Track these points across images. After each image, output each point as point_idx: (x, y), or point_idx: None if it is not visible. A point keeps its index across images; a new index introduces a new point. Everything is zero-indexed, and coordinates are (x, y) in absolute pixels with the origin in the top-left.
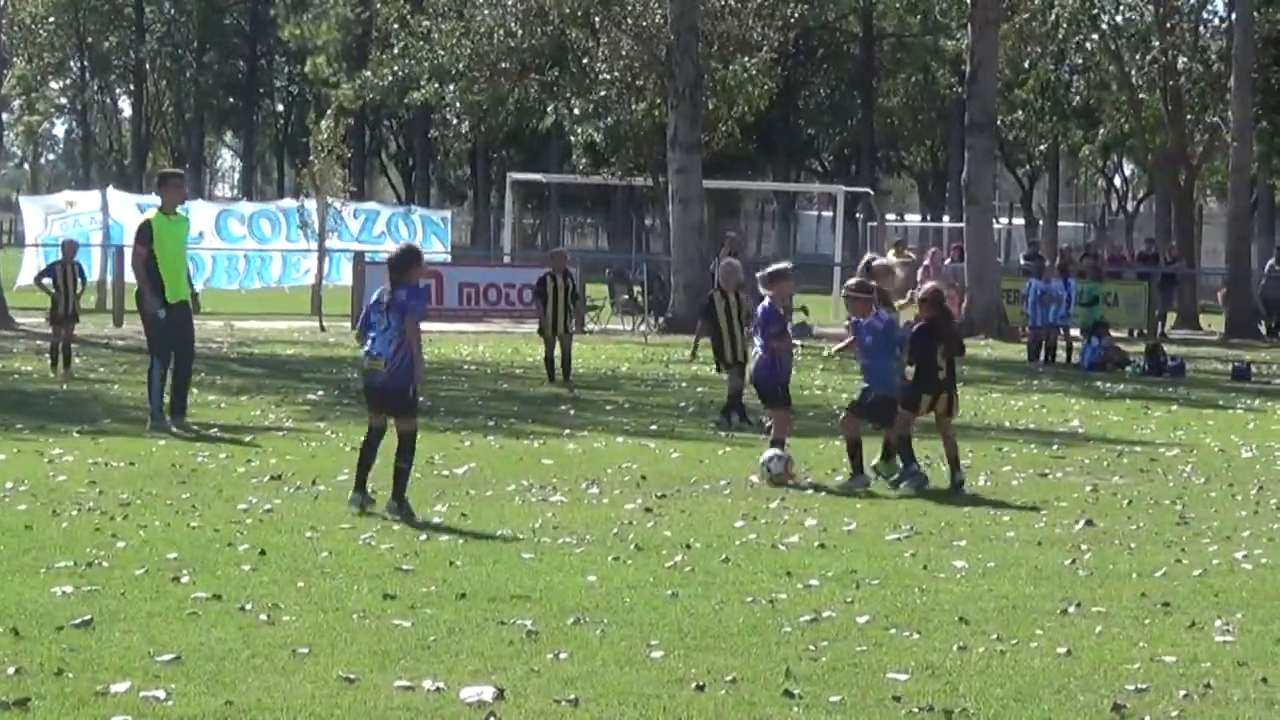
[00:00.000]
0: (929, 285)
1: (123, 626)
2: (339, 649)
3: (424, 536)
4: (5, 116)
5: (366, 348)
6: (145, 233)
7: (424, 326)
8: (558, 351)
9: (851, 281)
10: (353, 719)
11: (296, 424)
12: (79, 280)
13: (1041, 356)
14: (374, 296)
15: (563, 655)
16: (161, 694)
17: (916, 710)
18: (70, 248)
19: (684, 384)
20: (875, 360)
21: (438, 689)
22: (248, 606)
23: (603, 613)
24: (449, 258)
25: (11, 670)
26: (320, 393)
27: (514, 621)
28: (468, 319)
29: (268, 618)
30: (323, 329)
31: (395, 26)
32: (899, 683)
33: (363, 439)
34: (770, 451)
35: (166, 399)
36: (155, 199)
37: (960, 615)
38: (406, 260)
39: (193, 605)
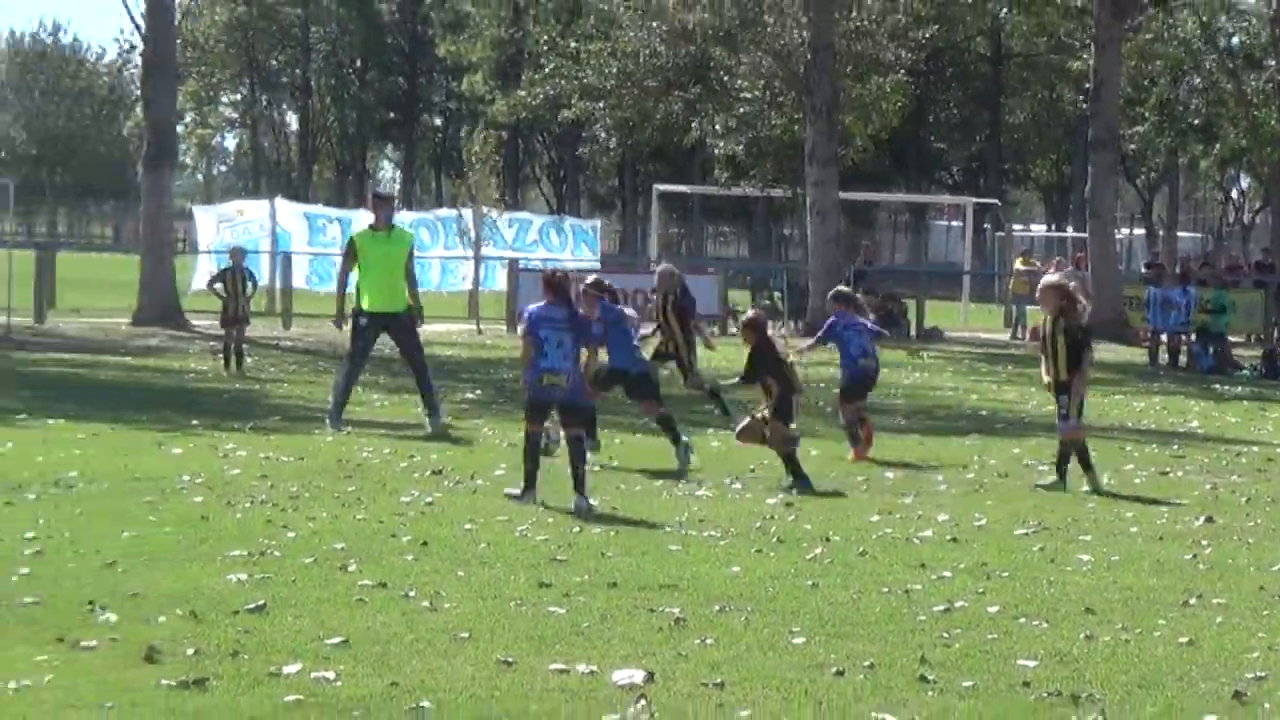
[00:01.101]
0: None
1: (294, 611)
2: (497, 634)
3: (577, 529)
4: (180, 130)
5: (545, 364)
6: (347, 248)
7: None
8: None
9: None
10: (511, 699)
11: (455, 421)
12: (248, 284)
13: (1163, 360)
14: (539, 311)
15: (709, 641)
16: (331, 675)
17: (1045, 695)
18: (238, 254)
19: (821, 385)
20: None
21: (590, 672)
22: (411, 594)
23: (746, 601)
24: (598, 264)
25: (191, 651)
26: (478, 392)
27: (662, 609)
28: None
29: (430, 604)
30: (479, 332)
31: (546, 48)
32: (1028, 669)
33: (526, 443)
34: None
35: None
36: (321, 208)
37: (1086, 606)
38: (561, 284)
39: (359, 592)
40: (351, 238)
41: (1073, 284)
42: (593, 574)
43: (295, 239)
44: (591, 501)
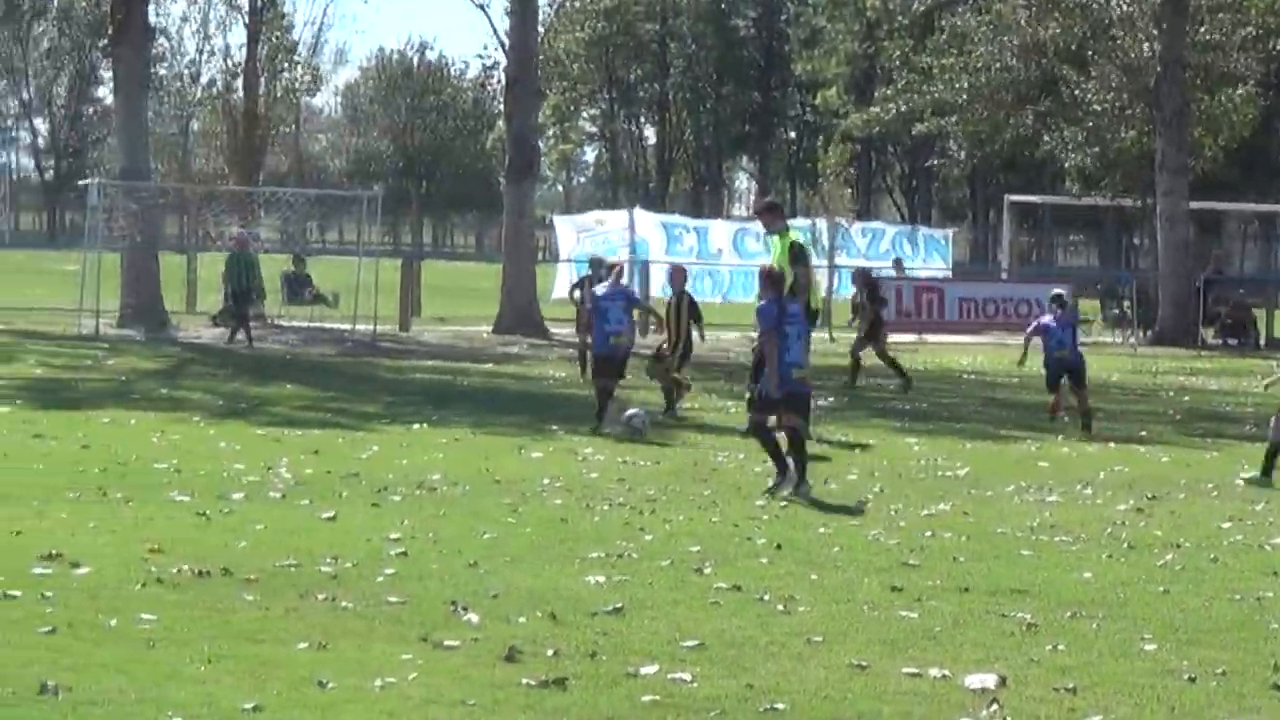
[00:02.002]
0: None
1: (650, 614)
2: (850, 637)
3: (929, 533)
4: (541, 143)
5: (790, 358)
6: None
7: (926, 338)
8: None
9: None
10: (864, 702)
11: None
12: None
13: None
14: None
15: (1060, 646)
16: (687, 676)
17: None
18: (599, 263)
19: (1170, 393)
20: None
21: (943, 676)
22: (765, 597)
23: (1098, 607)
24: (950, 274)
25: (550, 652)
26: (830, 399)
27: (1014, 614)
28: (967, 331)
29: (784, 608)
30: (831, 340)
31: (899, 64)
32: None
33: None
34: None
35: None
36: (678, 218)
37: None
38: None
39: (714, 595)
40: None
41: None
42: (944, 578)
43: (653, 248)
44: (807, 485)
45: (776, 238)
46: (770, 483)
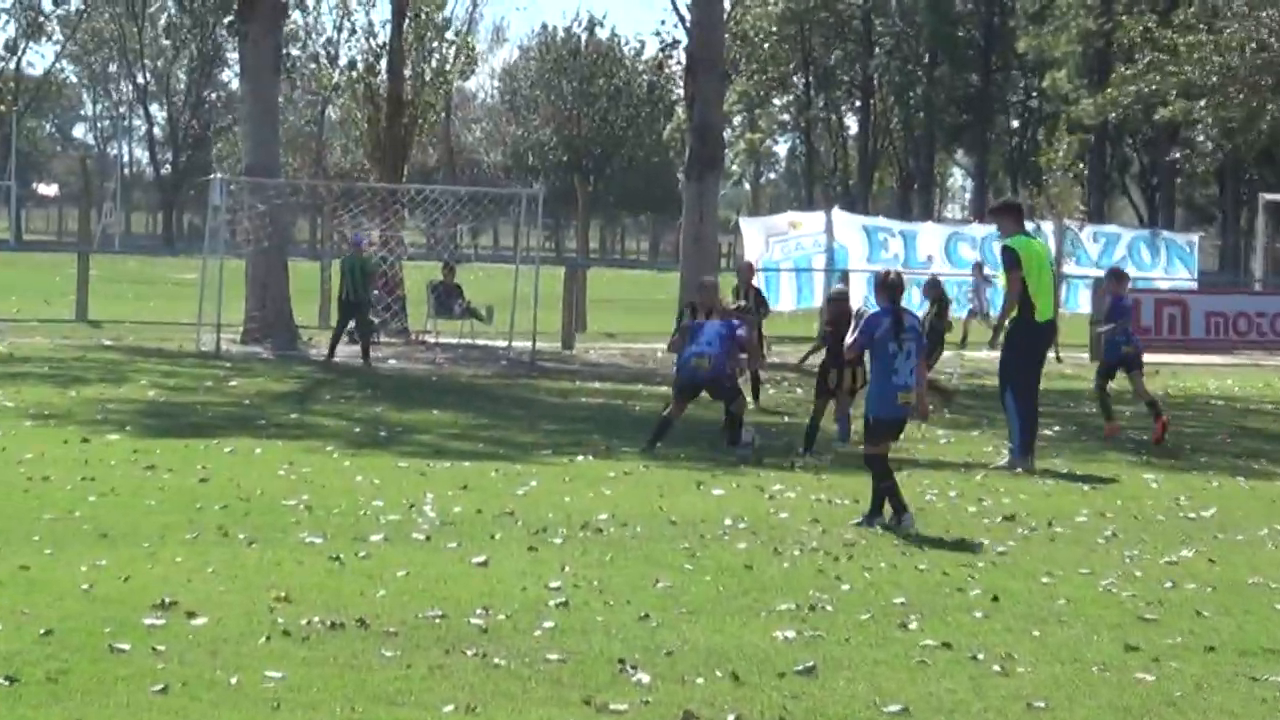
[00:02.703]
0: None
1: (846, 674)
2: (1077, 703)
3: (1169, 584)
4: (727, 134)
5: (897, 380)
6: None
7: (1166, 359)
8: None
9: None
10: None
11: (1006, 459)
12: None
13: None
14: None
15: None
16: None
17: None
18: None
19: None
20: None
21: None
22: (979, 656)
23: None
24: (1195, 285)
25: (732, 717)
26: (1056, 428)
27: (1266, 677)
28: (1216, 350)
29: (1001, 668)
30: (1059, 360)
31: (1139, 41)
32: None
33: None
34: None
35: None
36: (883, 220)
37: None
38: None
39: (921, 653)
40: (1011, 247)
41: None
42: (1186, 635)
43: (853, 255)
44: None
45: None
46: (893, 521)
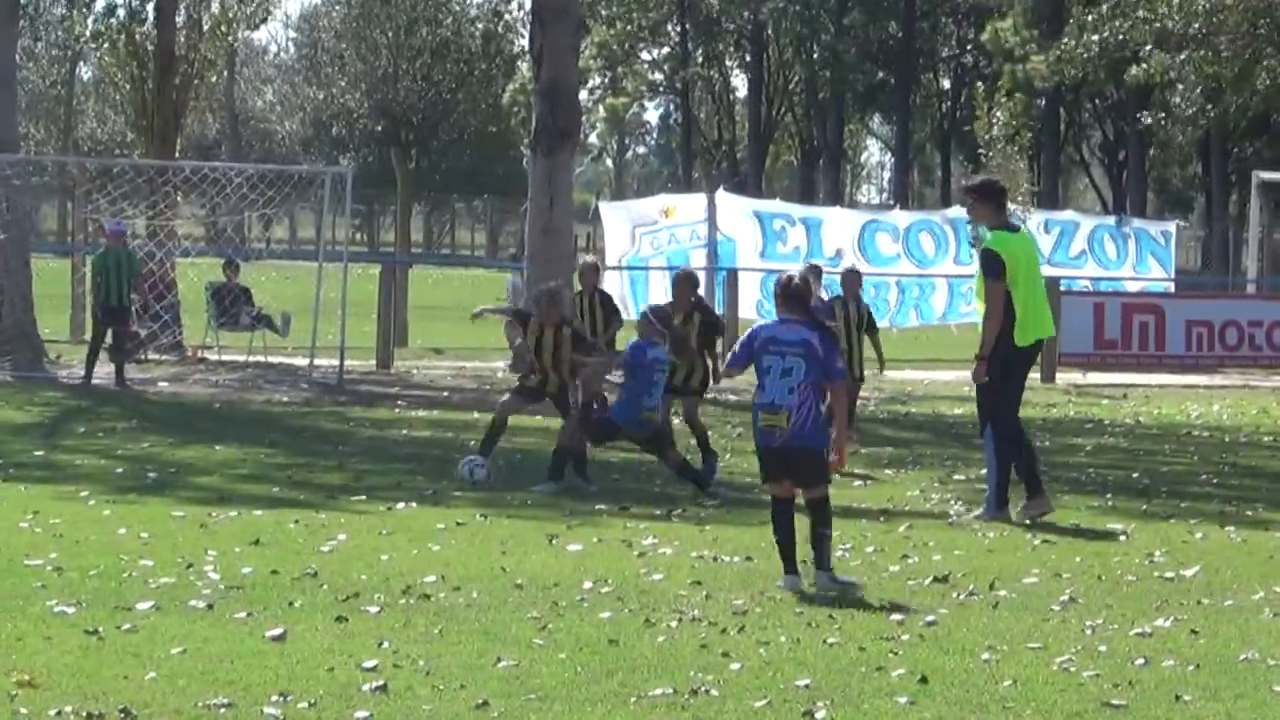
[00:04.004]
0: None
1: None
2: None
3: (1141, 661)
4: (583, 97)
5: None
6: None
7: (1137, 379)
8: None
9: None
10: None
11: (967, 508)
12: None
13: None
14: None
15: None
16: None
17: None
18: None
19: None
20: None
21: None
22: None
23: None
24: (1172, 286)
25: None
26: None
27: None
28: (1197, 369)
29: None
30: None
31: None
32: None
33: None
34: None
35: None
36: (780, 205)
37: None
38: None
39: None
40: (992, 249)
41: None
42: None
43: (742, 249)
44: (841, 579)
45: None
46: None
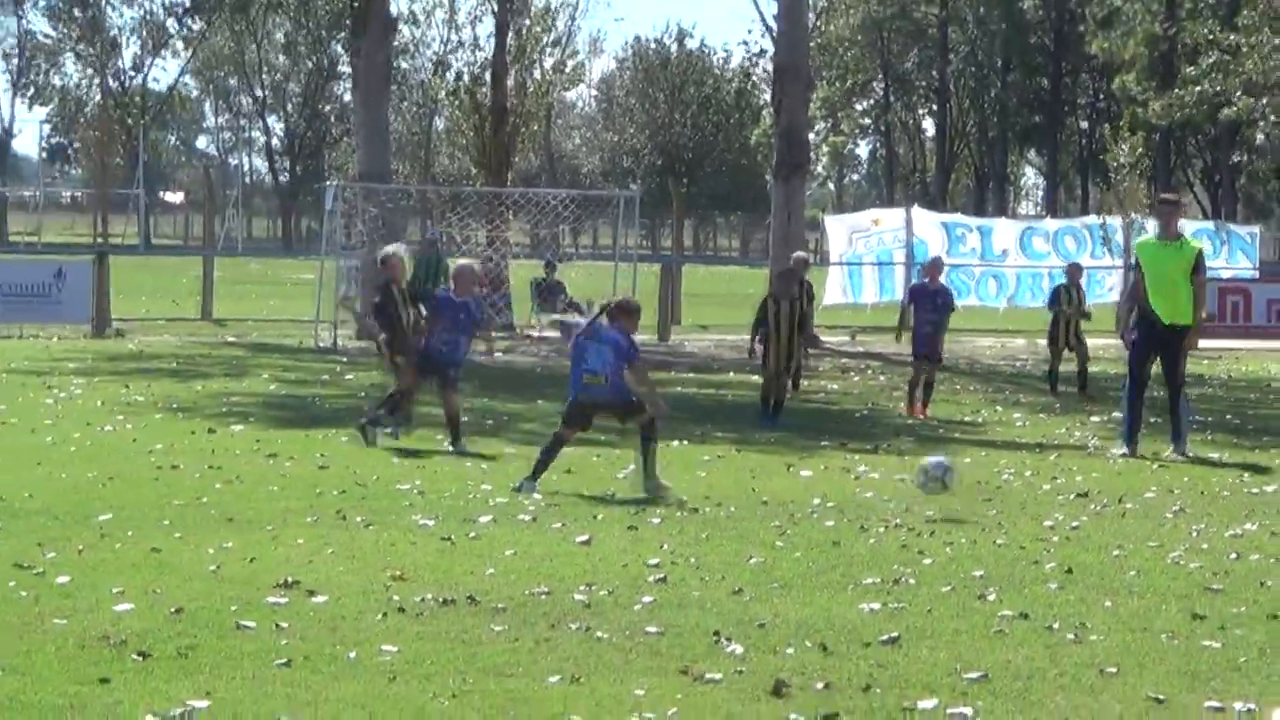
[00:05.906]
0: None
1: (929, 644)
2: (1147, 669)
3: (1234, 555)
4: (812, 137)
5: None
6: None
7: (1229, 344)
8: None
9: None
10: None
11: (1101, 441)
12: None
13: None
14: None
15: None
16: (969, 711)
17: None
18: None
19: None
20: None
21: (1248, 710)
22: (1054, 625)
23: None
24: (1257, 274)
25: (820, 685)
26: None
27: None
28: (1277, 336)
29: (1075, 636)
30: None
31: (1203, 43)
32: None
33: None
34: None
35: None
36: (960, 216)
37: None
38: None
39: (999, 623)
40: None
41: None
42: (1251, 605)
43: (932, 249)
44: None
45: (1177, 245)
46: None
